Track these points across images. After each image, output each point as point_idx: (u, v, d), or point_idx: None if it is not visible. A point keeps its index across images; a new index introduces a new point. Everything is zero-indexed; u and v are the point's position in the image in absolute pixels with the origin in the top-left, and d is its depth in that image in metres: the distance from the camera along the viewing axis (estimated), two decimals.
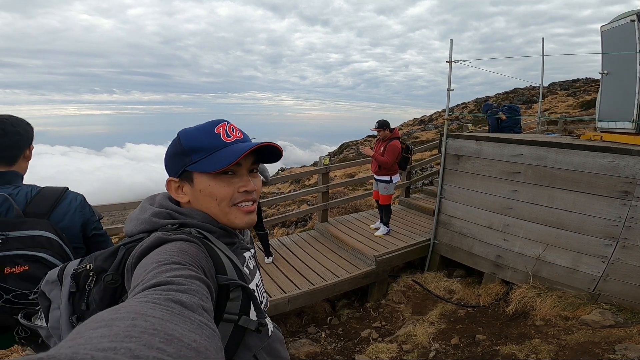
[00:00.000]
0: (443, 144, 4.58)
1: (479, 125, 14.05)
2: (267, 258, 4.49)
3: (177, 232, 0.72)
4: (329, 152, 22.92)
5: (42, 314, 0.82)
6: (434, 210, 4.81)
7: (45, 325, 0.80)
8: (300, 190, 7.01)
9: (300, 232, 6.01)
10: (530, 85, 22.35)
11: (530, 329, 3.07)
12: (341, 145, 23.70)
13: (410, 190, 7.36)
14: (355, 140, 24.53)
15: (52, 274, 0.81)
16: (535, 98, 7.25)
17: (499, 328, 3.27)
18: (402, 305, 4.09)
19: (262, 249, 4.48)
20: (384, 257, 4.37)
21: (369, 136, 25.16)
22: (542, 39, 5.56)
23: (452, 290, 4.17)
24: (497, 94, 27.19)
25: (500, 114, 6.80)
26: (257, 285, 0.88)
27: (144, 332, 0.36)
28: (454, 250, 4.59)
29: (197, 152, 0.77)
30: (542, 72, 5.93)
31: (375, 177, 4.84)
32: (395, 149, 4.54)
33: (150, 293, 0.50)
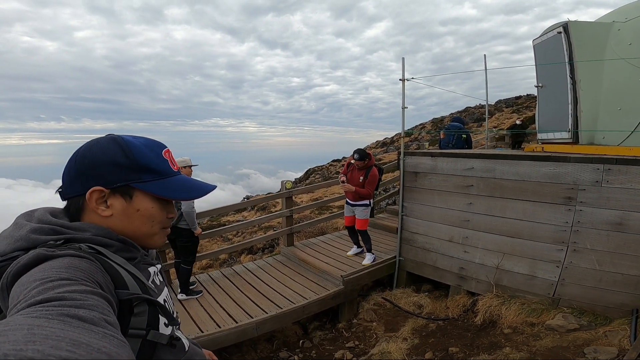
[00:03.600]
0: (401, 162, 4.73)
1: (436, 145, 14.78)
2: (179, 295, 4.00)
3: (63, 248, 0.64)
4: (295, 179, 22.95)
5: None
6: (397, 228, 4.87)
7: None
8: (264, 216, 6.89)
9: (267, 257, 5.85)
10: (480, 104, 24.02)
11: (500, 338, 3.12)
12: (307, 171, 23.85)
13: (375, 211, 7.46)
14: (321, 165, 24.82)
15: None
16: (485, 116, 7.82)
17: (470, 339, 3.30)
18: (374, 323, 4.04)
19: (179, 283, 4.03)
20: (352, 276, 4.34)
21: (334, 160, 25.56)
22: (484, 55, 5.99)
23: (422, 304, 4.19)
24: (451, 113, 28.88)
25: (441, 133, 7.10)
26: (164, 301, 0.83)
27: (47, 338, 0.33)
28: (419, 265, 4.64)
29: (149, 172, 0.76)
30: (487, 87, 6.35)
31: (352, 202, 4.67)
32: (375, 178, 4.52)
33: (38, 309, 0.44)
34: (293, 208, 5.56)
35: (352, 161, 4.47)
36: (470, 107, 28.21)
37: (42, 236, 0.67)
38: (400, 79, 4.46)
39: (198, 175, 3.95)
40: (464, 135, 6.84)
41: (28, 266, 0.58)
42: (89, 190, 0.72)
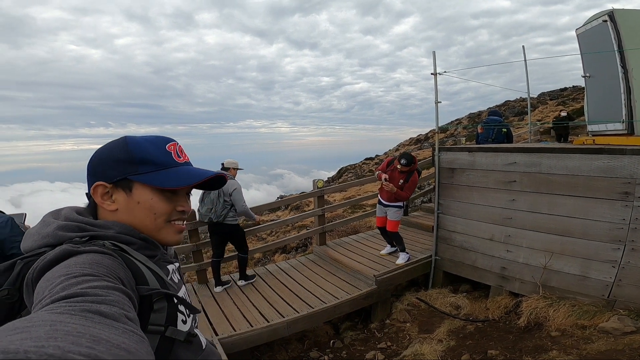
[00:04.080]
0: (436, 158, 4.54)
1: (473, 141, 14.16)
2: (239, 281, 4.43)
3: (88, 244, 0.66)
4: (328, 177, 22.96)
5: None
6: (433, 227, 4.70)
7: None
8: (297, 215, 6.91)
9: (300, 257, 5.86)
10: (521, 97, 22.70)
11: (546, 341, 2.92)
12: (340, 170, 23.79)
13: (409, 209, 7.27)
14: (354, 164, 24.65)
15: None
16: (526, 109, 7.32)
17: (512, 341, 3.11)
18: (407, 324, 3.91)
19: (239, 271, 4.47)
20: (385, 276, 4.24)
21: (366, 159, 25.31)
22: (523, 46, 5.65)
23: (459, 305, 4.01)
24: (489, 108, 27.58)
25: (479, 127, 6.74)
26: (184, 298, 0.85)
27: (68, 334, 0.33)
28: (457, 265, 4.44)
29: (146, 164, 0.76)
30: (527, 79, 5.97)
31: (386, 202, 4.55)
32: (415, 183, 4.37)
33: (61, 305, 0.45)
34: (325, 207, 5.51)
35: (398, 166, 4.29)
36: (510, 100, 26.79)
37: (68, 233, 0.69)
38: (432, 74, 4.29)
39: (236, 176, 4.11)
40: (504, 129, 6.44)
41: (53, 262, 0.60)
42: (92, 186, 0.76)
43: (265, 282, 4.47)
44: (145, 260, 0.72)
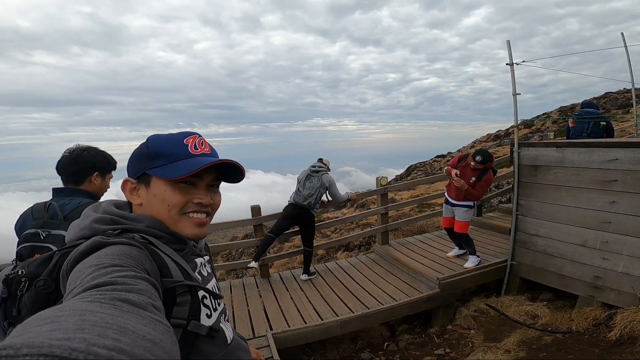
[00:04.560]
0: (515, 154, 4.07)
1: (564, 136, 12.51)
2: (302, 275, 4.48)
3: (118, 237, 0.70)
4: (396, 175, 22.31)
5: None
6: (510, 229, 4.21)
7: None
8: (360, 213, 6.79)
9: (362, 255, 5.74)
10: (624, 88, 19.36)
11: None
12: (408, 168, 22.94)
13: (484, 209, 6.67)
14: (423, 162, 23.57)
15: None
16: (631, 101, 6.17)
17: (598, 355, 2.69)
18: (471, 331, 3.57)
19: (303, 265, 4.54)
20: (449, 279, 3.92)
21: (437, 156, 24.04)
22: (622, 34, 4.82)
23: (537, 314, 3.54)
24: (585, 100, 24.03)
25: (570, 121, 5.81)
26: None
27: (96, 325, 0.34)
28: (537, 271, 3.93)
29: (161, 157, 0.77)
30: (630, 68, 5.07)
31: (454, 201, 4.21)
32: (489, 182, 4.00)
33: (92, 293, 0.47)
34: (388, 205, 5.29)
35: (472, 163, 3.93)
36: (611, 92, 23.04)
37: (102, 226, 0.74)
38: (507, 64, 3.86)
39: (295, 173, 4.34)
40: (603, 123, 5.49)
41: (85, 253, 0.64)
42: (122, 182, 0.82)
43: (324, 280, 4.43)
44: (171, 253, 0.74)
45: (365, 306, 3.64)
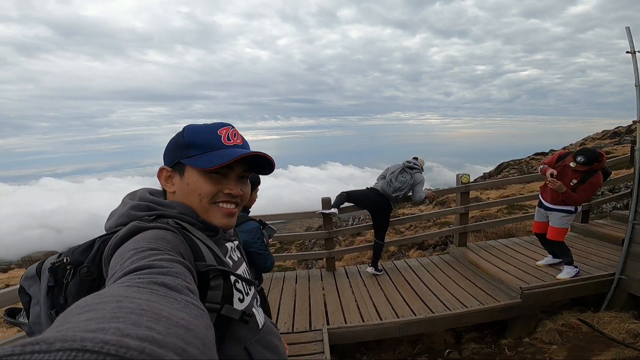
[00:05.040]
0: (636, 154, 3.37)
1: None
2: (369, 268, 4.42)
3: (154, 222, 0.73)
4: (484, 173, 20.42)
5: (24, 311, 0.83)
6: (623, 240, 3.48)
7: (27, 322, 0.81)
8: (437, 211, 6.35)
9: (435, 255, 5.37)
10: None
11: None
12: (499, 165, 20.80)
13: (592, 214, 5.65)
14: (518, 159, 21.13)
15: (31, 269, 0.81)
16: None
17: None
18: (553, 346, 3.06)
19: (372, 259, 4.44)
20: (535, 290, 3.43)
21: (536, 154, 21.33)
22: None
23: None
24: None
25: None
26: (241, 276, 0.85)
27: (131, 312, 0.35)
28: None
29: (196, 147, 0.79)
30: None
31: (549, 205, 3.64)
32: (597, 186, 3.36)
33: (131, 277, 0.49)
34: (469, 205, 4.84)
35: (572, 164, 3.35)
36: None
37: (138, 212, 0.77)
38: (627, 52, 3.16)
39: (383, 167, 4.37)
40: None
41: (124, 238, 0.67)
42: (158, 170, 0.85)
43: (390, 278, 4.23)
44: (204, 238, 0.77)
45: (430, 310, 3.38)
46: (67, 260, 0.75)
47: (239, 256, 0.94)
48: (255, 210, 2.22)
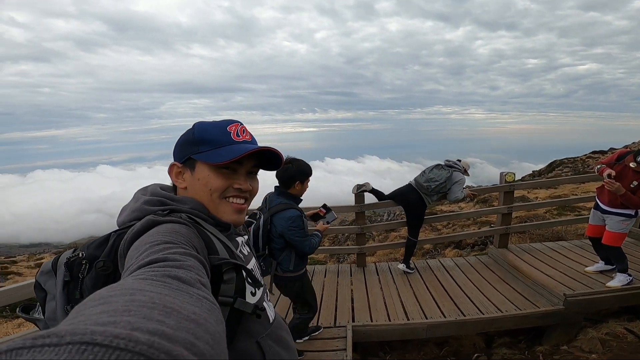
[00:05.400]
0: None
1: None
2: (400, 264, 4.32)
3: (168, 216, 0.74)
4: (533, 171, 19.16)
5: (39, 306, 0.83)
6: None
7: (43, 318, 0.81)
8: (477, 210, 6.06)
9: (472, 256, 5.14)
10: None
11: None
12: (551, 163, 19.41)
13: None
14: (573, 157, 19.59)
15: (47, 264, 0.82)
16: None
17: None
18: (593, 355, 2.82)
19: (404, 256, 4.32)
20: (581, 297, 3.18)
21: (594, 152, 19.67)
22: None
23: None
24: None
25: None
26: (252, 270, 0.85)
27: (143, 305, 0.36)
28: None
29: (206, 143, 0.81)
30: None
31: (606, 207, 3.34)
32: None
33: (146, 270, 0.50)
34: (513, 205, 4.55)
35: (632, 164, 3.05)
36: None
37: (152, 207, 0.78)
38: None
39: (421, 162, 4.11)
40: None
41: (141, 232, 0.68)
42: (169, 166, 0.87)
43: (421, 277, 4.09)
44: (216, 232, 0.78)
45: (461, 312, 3.22)
46: (82, 255, 0.76)
47: (249, 251, 0.95)
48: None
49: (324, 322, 3.17)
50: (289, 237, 2.27)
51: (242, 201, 0.85)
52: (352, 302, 3.57)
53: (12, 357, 0.25)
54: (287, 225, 2.23)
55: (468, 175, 4.12)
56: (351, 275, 4.26)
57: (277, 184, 2.33)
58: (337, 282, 4.07)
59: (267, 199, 2.38)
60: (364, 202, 4.27)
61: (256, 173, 0.89)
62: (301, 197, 2.35)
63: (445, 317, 3.17)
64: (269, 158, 0.86)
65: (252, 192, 0.87)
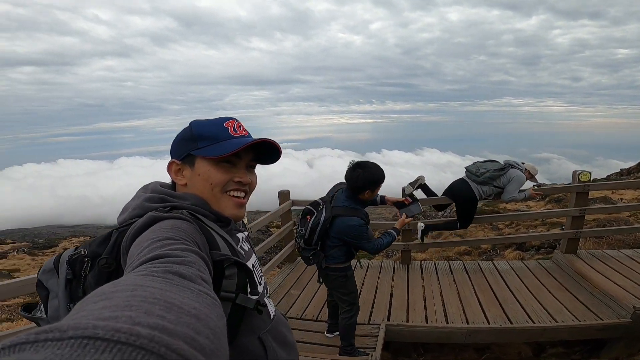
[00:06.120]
0: None
1: None
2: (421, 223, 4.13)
3: (169, 212, 0.74)
4: (621, 169, 16.81)
5: (41, 305, 0.83)
6: None
7: (45, 316, 0.80)
8: (543, 210, 5.54)
9: (534, 260, 4.73)
10: None
11: None
12: None
13: None
14: None
15: (49, 263, 0.82)
16: None
17: None
18: None
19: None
20: None
21: None
22: None
23: None
24: None
25: None
26: (253, 266, 0.88)
27: (144, 301, 0.36)
28: None
29: (204, 139, 0.82)
30: None
31: None
32: None
33: (147, 266, 0.50)
34: (587, 207, 4.09)
35: None
36: None
37: (153, 204, 0.79)
38: None
39: (486, 156, 3.93)
40: None
41: (142, 228, 0.69)
42: (168, 163, 0.87)
43: (469, 279, 3.85)
44: (217, 228, 0.79)
45: (508, 320, 2.97)
46: (84, 252, 0.76)
47: (249, 247, 0.95)
48: None
49: (359, 319, 3.12)
50: (350, 241, 2.28)
51: (242, 194, 0.86)
52: (391, 300, 3.48)
53: (15, 352, 0.26)
54: (347, 232, 2.23)
55: (535, 180, 3.76)
56: (394, 273, 4.14)
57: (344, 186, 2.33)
58: (378, 279, 3.97)
59: (335, 196, 2.35)
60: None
61: (254, 167, 0.90)
62: (368, 203, 2.35)
63: (489, 323, 2.95)
64: (267, 151, 0.87)
65: (251, 186, 0.88)
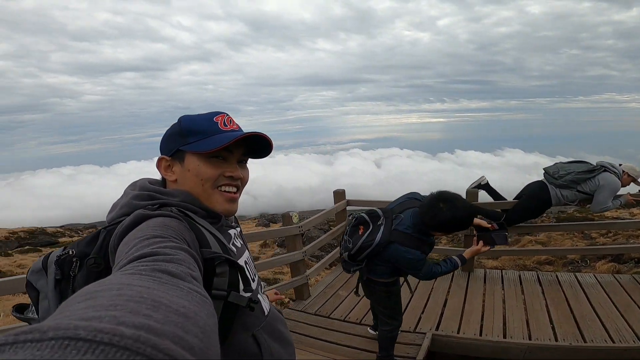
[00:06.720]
0: None
1: None
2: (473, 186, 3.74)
3: (158, 210, 0.73)
4: None
5: (32, 306, 0.82)
6: None
7: (37, 317, 0.80)
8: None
9: (630, 274, 4.03)
10: None
11: None
12: None
13: None
14: None
15: (37, 263, 0.81)
16: None
17: None
18: None
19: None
20: None
21: None
22: None
23: None
24: None
25: None
26: (245, 263, 0.87)
27: (130, 300, 0.35)
28: None
29: (194, 134, 0.80)
30: None
31: None
32: None
33: (135, 265, 0.50)
34: None
35: None
36: None
37: (141, 202, 0.78)
38: None
39: (583, 158, 3.61)
40: None
41: (130, 226, 0.68)
42: (157, 160, 0.86)
43: (542, 292, 3.41)
44: (207, 225, 0.78)
45: (583, 338, 2.56)
46: (72, 252, 0.75)
47: (242, 243, 0.93)
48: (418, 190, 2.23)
49: (404, 325, 2.92)
50: (402, 269, 2.06)
51: (234, 189, 0.84)
52: (444, 308, 3.23)
53: None
54: (401, 262, 1.98)
55: (638, 184, 3.24)
56: (452, 280, 3.83)
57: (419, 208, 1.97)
58: (433, 286, 3.70)
59: (401, 217, 2.02)
60: (476, 201, 3.84)
61: (246, 162, 0.89)
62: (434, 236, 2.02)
63: (556, 340, 2.57)
64: (259, 145, 0.85)
65: (243, 181, 0.86)
